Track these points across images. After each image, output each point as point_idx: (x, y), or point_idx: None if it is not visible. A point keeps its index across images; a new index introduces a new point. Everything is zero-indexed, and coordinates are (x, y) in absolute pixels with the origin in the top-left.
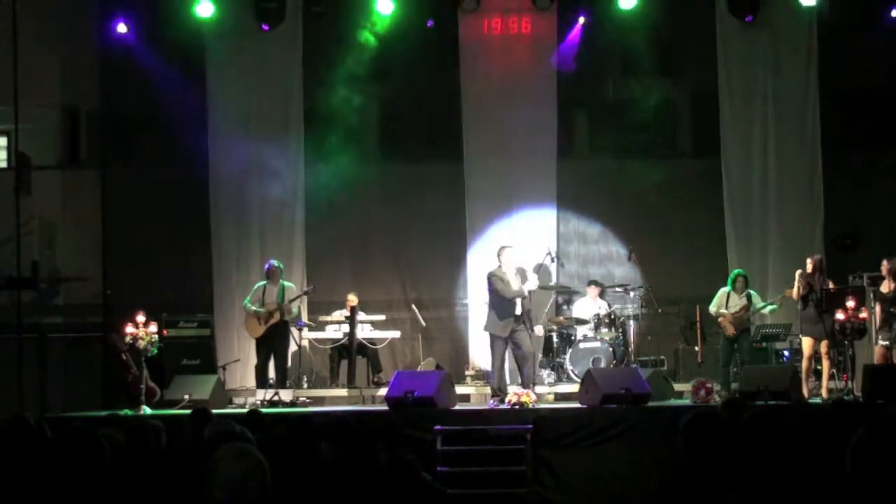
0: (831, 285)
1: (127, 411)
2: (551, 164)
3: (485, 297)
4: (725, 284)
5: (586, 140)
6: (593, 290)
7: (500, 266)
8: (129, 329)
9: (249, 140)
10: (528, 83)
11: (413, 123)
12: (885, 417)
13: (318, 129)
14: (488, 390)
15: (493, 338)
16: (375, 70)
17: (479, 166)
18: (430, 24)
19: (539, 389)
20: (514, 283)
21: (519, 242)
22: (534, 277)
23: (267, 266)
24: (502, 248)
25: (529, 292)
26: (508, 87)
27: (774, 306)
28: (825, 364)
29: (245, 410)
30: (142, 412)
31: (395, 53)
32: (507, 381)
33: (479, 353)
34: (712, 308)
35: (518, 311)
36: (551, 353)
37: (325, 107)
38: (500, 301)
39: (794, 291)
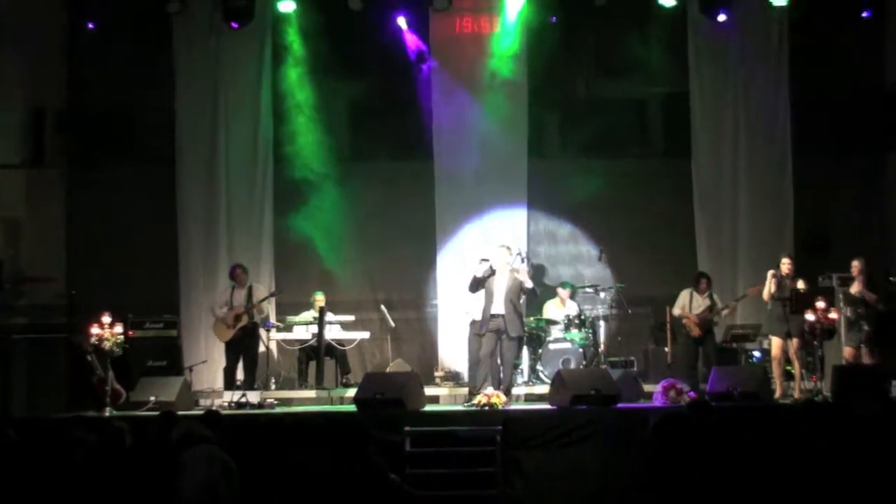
0: (801, 285)
1: (92, 413)
2: (522, 163)
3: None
4: (688, 285)
5: (557, 139)
6: (564, 293)
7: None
8: (95, 330)
9: (217, 139)
10: (499, 82)
11: (383, 122)
12: (853, 418)
13: (287, 127)
14: (461, 391)
15: (476, 335)
16: (346, 67)
17: (449, 165)
18: (401, 21)
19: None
20: None
21: (489, 243)
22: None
23: (231, 270)
24: (498, 245)
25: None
26: (479, 86)
27: (725, 311)
28: (796, 364)
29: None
30: (107, 414)
31: (366, 51)
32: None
33: (450, 354)
34: (675, 310)
35: (499, 310)
36: (521, 355)
37: (294, 105)
38: (485, 299)
39: (766, 291)
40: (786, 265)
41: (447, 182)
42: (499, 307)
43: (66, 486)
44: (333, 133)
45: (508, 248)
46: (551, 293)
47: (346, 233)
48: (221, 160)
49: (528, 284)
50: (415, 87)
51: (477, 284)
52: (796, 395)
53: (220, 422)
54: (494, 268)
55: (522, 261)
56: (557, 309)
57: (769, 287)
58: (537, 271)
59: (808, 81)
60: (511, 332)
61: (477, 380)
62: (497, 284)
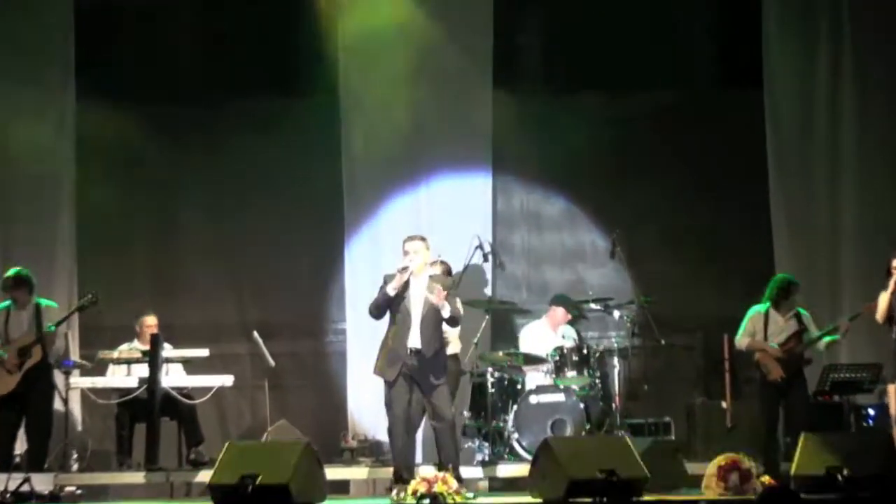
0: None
1: None
2: (484, 101)
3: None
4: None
5: (539, 64)
6: (556, 312)
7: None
8: None
9: None
10: None
11: (255, 40)
12: None
13: (100, 52)
14: (384, 473)
15: (385, 385)
16: None
17: (364, 106)
18: None
19: (466, 472)
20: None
21: (432, 229)
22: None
23: (8, 279)
24: (408, 238)
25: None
26: None
27: (836, 336)
28: None
29: None
30: None
31: None
32: (418, 459)
33: (366, 411)
34: (741, 340)
35: (416, 342)
36: (484, 413)
37: (110, 20)
38: (389, 324)
39: (881, 309)
40: None
41: (362, 131)
42: (415, 339)
43: None
44: (175, 57)
45: (423, 238)
46: (534, 312)
47: (196, 215)
48: None
49: (446, 313)
50: None
51: (387, 304)
52: None
53: None
54: (410, 273)
55: (485, 257)
56: (544, 338)
57: (889, 302)
58: (509, 277)
59: None
60: (434, 377)
61: (407, 458)
62: (413, 302)
